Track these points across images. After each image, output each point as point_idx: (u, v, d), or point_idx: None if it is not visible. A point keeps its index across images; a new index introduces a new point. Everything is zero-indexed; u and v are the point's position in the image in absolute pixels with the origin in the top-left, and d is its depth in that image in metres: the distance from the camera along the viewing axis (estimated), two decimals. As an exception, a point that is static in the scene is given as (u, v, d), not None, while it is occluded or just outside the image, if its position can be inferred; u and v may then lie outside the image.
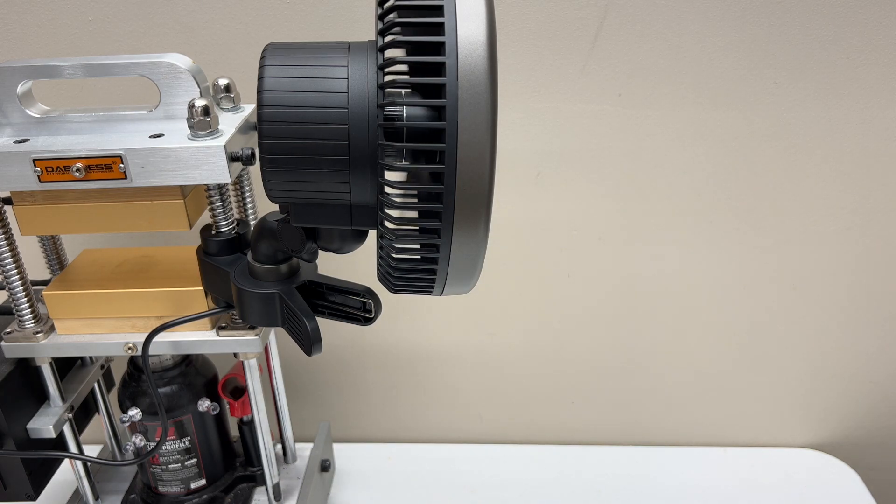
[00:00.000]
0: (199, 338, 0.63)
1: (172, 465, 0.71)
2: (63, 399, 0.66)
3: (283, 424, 0.78)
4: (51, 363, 0.64)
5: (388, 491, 0.88)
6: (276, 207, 0.52)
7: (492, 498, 0.87)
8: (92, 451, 0.82)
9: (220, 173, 0.53)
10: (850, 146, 0.76)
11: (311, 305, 0.53)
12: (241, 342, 0.63)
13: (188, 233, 0.63)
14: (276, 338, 0.74)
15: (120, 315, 0.63)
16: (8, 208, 0.59)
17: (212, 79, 0.58)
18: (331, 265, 0.59)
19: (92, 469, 0.74)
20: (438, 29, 0.36)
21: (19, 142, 0.54)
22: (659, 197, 0.79)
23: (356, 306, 0.54)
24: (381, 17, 0.37)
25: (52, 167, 0.53)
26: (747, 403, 0.93)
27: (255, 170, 0.60)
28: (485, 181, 0.37)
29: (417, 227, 0.39)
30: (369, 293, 0.52)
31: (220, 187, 0.58)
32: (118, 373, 0.74)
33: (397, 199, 0.39)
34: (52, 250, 0.68)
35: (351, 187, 0.39)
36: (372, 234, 0.44)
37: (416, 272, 0.42)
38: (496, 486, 0.89)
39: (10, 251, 0.59)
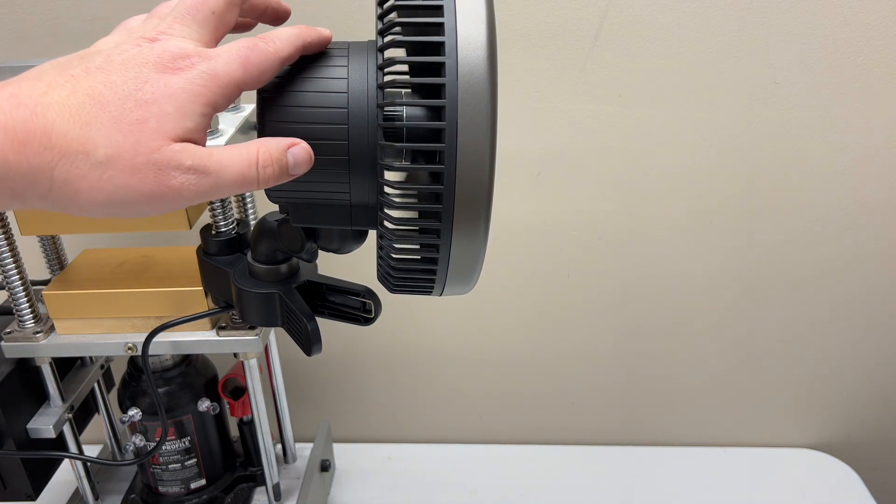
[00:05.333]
0: (199, 338, 0.63)
1: (172, 465, 0.71)
2: (63, 399, 0.66)
3: (283, 424, 0.78)
4: (51, 363, 0.64)
5: (388, 491, 0.88)
6: (276, 207, 0.52)
7: (492, 498, 0.87)
8: (92, 451, 0.82)
9: (220, 173, 0.53)
10: (850, 146, 0.76)
11: (311, 305, 0.53)
12: (241, 342, 0.63)
13: (188, 233, 0.63)
14: (276, 338, 0.74)
15: (120, 315, 0.63)
16: (8, 208, 0.59)
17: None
18: (331, 265, 0.59)
19: (92, 469, 0.74)
20: (438, 29, 0.36)
21: (19, 142, 0.54)
22: (659, 197, 0.79)
23: (356, 306, 0.54)
24: (380, 17, 0.37)
25: (52, 167, 0.53)
26: (747, 403, 0.93)
27: (254, 170, 0.60)
28: (484, 181, 0.37)
29: (417, 228, 0.39)
30: (369, 293, 0.52)
31: (220, 187, 0.58)
32: (118, 373, 0.74)
33: (397, 200, 0.39)
34: (52, 250, 0.68)
35: (351, 187, 0.39)
36: (372, 234, 0.44)
37: (416, 272, 0.42)
38: (496, 486, 0.89)
39: (10, 251, 0.59)
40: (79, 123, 0.30)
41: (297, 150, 0.36)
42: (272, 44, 0.36)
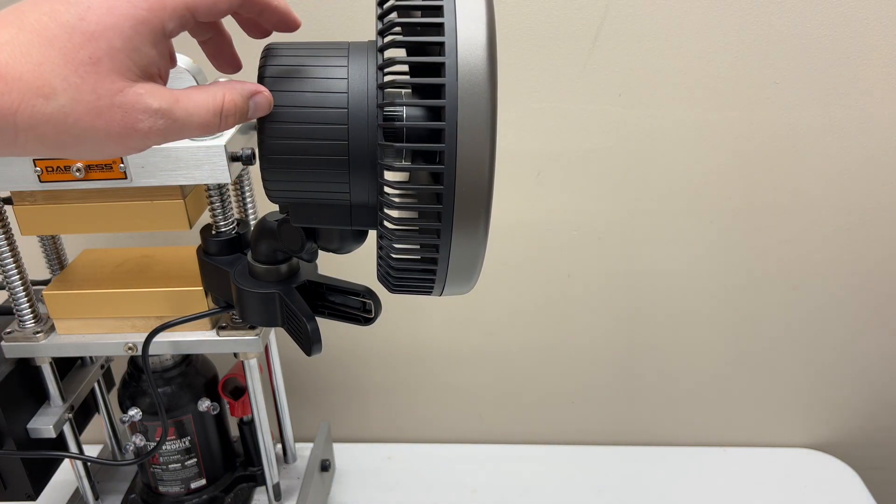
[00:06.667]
0: (199, 338, 0.63)
1: (172, 465, 0.71)
2: (63, 399, 0.66)
3: (283, 424, 0.78)
4: (51, 363, 0.64)
5: (388, 491, 0.88)
6: (276, 207, 0.52)
7: (492, 498, 0.87)
8: (92, 451, 0.82)
9: (221, 173, 0.53)
10: (850, 146, 0.76)
11: (312, 305, 0.53)
12: (241, 342, 0.63)
13: (188, 233, 0.63)
14: (276, 338, 0.74)
15: (120, 315, 0.63)
16: (8, 208, 0.59)
17: (212, 79, 0.58)
18: (331, 265, 0.59)
19: (92, 469, 0.74)
20: (438, 29, 0.36)
21: (19, 142, 0.54)
22: (659, 197, 0.79)
23: (356, 306, 0.54)
24: (380, 17, 0.37)
25: (53, 167, 0.53)
26: (747, 403, 0.93)
27: (255, 170, 0.60)
28: (484, 181, 0.37)
29: (417, 228, 0.39)
30: (369, 293, 0.52)
31: (220, 187, 0.58)
32: (118, 373, 0.74)
33: (397, 200, 0.39)
34: (52, 250, 0.68)
35: (351, 187, 0.39)
36: (372, 234, 0.44)
37: (416, 272, 0.42)
38: (496, 486, 0.89)
39: (10, 251, 0.59)
40: (31, 64, 0.29)
41: (259, 99, 0.36)
42: None
